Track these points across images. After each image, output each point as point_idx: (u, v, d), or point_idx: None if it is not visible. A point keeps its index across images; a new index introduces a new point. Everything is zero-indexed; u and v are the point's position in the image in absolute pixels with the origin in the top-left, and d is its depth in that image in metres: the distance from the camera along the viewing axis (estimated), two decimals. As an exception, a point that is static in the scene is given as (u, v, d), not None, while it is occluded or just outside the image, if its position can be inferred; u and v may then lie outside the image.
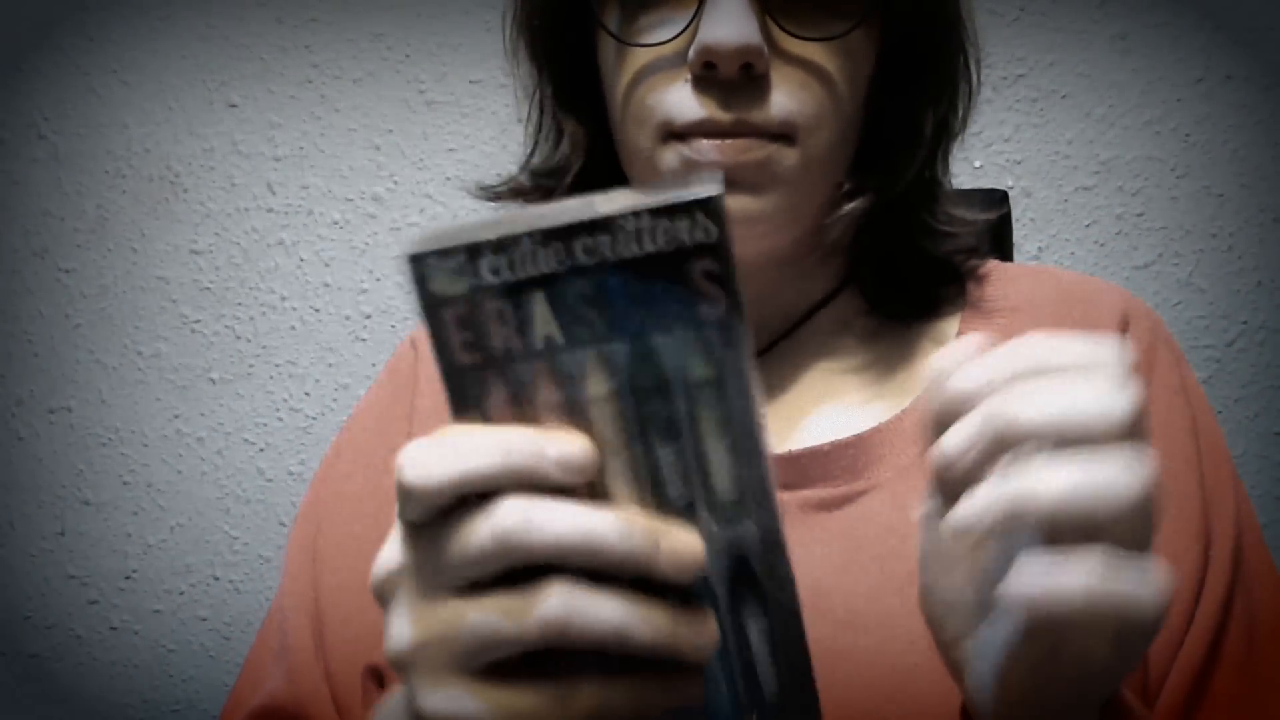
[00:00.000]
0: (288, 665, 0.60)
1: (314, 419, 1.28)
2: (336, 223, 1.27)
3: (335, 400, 1.28)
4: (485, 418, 0.33)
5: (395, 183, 1.26)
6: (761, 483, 0.33)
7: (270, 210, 1.27)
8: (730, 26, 0.51)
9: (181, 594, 1.29)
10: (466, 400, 0.33)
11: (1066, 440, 0.33)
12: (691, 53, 0.52)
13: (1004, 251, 0.88)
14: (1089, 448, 0.33)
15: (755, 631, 0.34)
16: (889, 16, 0.57)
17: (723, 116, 0.53)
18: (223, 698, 0.65)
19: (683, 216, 0.31)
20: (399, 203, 1.27)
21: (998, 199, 0.89)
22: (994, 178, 1.21)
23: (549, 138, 0.64)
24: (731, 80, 0.52)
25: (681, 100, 0.53)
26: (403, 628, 0.34)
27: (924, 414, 0.37)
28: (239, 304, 1.28)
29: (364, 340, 1.27)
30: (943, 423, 0.36)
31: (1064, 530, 0.32)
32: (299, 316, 1.28)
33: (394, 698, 0.40)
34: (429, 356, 0.62)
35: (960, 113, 0.62)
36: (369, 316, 1.27)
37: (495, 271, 0.31)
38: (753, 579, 0.34)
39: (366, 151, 1.26)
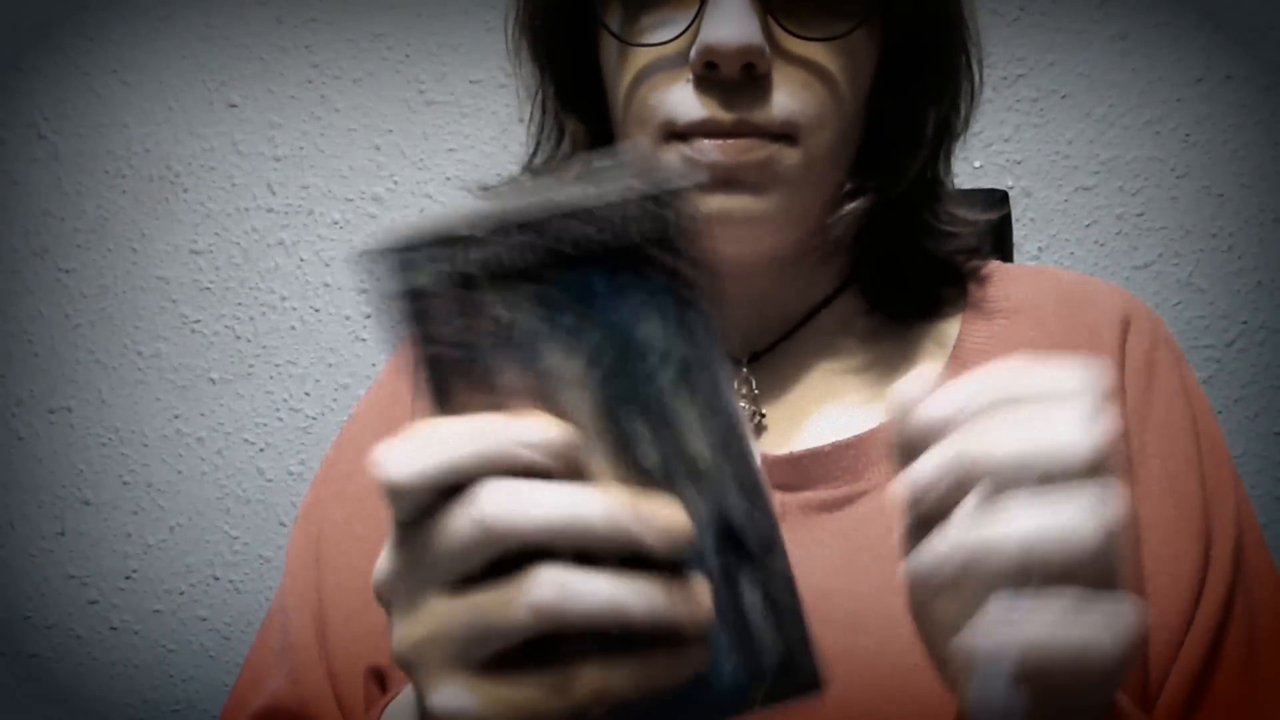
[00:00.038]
0: (291, 665, 0.60)
1: (314, 419, 1.28)
2: (336, 223, 1.27)
3: (335, 400, 1.28)
4: (462, 409, 0.33)
5: (395, 183, 1.26)
6: (739, 445, 0.33)
7: (270, 210, 1.27)
8: (732, 26, 0.51)
9: (181, 594, 1.29)
10: (441, 393, 0.33)
11: (1031, 478, 0.33)
12: (693, 53, 0.52)
13: (1004, 252, 0.88)
14: (1054, 486, 0.33)
15: (750, 600, 0.34)
16: (891, 16, 0.57)
17: (724, 116, 0.53)
18: (223, 698, 0.65)
19: (652, 204, 0.32)
20: (399, 203, 1.26)
21: (998, 199, 0.89)
22: (994, 178, 1.21)
23: (551, 137, 0.64)
24: (733, 80, 0.52)
25: (683, 100, 0.53)
26: (403, 629, 0.34)
27: (889, 439, 0.37)
28: (239, 304, 1.28)
29: (364, 340, 1.27)
30: (909, 451, 0.36)
31: (1027, 576, 0.32)
32: (299, 316, 1.27)
33: (403, 697, 0.40)
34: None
35: (962, 112, 0.62)
36: (369, 316, 1.27)
37: (465, 263, 0.31)
38: (742, 547, 0.34)
39: (366, 151, 1.26)
